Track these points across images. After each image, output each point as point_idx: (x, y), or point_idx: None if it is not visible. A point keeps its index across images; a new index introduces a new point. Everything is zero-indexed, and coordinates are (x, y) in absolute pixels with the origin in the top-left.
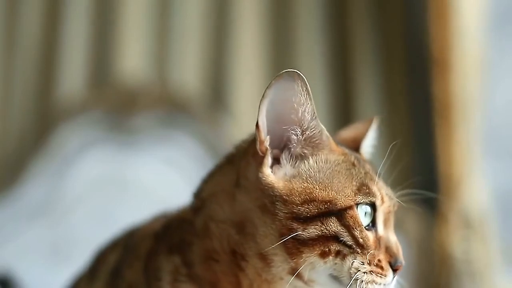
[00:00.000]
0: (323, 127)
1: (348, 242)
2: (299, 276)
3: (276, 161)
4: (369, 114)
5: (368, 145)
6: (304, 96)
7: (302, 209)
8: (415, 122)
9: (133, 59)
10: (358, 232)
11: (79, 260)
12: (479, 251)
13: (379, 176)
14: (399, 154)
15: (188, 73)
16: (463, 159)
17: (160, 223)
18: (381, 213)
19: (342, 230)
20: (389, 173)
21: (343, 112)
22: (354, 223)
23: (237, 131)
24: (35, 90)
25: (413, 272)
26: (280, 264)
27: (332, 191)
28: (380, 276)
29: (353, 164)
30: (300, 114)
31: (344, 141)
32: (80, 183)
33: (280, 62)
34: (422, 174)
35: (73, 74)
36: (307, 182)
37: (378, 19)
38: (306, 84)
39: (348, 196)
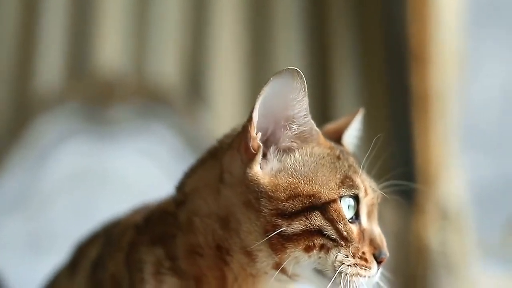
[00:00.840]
0: (313, 122)
1: (332, 236)
2: (283, 271)
3: (263, 155)
4: (348, 108)
5: (352, 136)
6: (302, 93)
7: (287, 205)
8: (393, 115)
9: (111, 50)
10: (342, 225)
11: (59, 253)
12: (455, 243)
13: (362, 169)
14: (378, 147)
15: (166, 64)
16: (441, 151)
17: (141, 215)
18: (365, 205)
19: (326, 224)
20: (371, 166)
21: (322, 107)
22: (338, 217)
23: (215, 123)
24: (12, 82)
25: (389, 263)
26: (264, 259)
27: (316, 184)
28: (365, 269)
29: (338, 157)
30: (296, 111)
31: (327, 133)
32: (58, 175)
33: (259, 55)
34: (400, 166)
35: (50, 66)
36: (292, 177)
37: (356, 13)
38: (304, 81)
39: (332, 189)
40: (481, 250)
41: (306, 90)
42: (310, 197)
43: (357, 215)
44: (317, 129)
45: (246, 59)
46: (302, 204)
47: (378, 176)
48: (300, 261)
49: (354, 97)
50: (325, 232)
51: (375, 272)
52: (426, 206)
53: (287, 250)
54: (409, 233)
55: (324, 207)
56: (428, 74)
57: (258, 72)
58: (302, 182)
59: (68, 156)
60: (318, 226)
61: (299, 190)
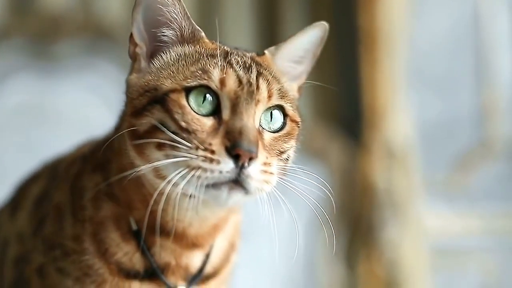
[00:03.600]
0: (197, 27)
1: (171, 128)
2: (162, 177)
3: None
4: None
5: (299, 49)
6: None
7: (136, 101)
8: (340, 54)
9: None
10: (180, 115)
11: (3, 189)
12: (401, 181)
13: (247, 67)
14: (325, 85)
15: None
16: (388, 91)
17: (88, 147)
18: (226, 98)
19: (165, 115)
20: (317, 103)
21: (268, 44)
22: (174, 106)
23: None
24: None
25: (335, 201)
26: (142, 168)
27: (162, 78)
28: (210, 161)
29: (210, 55)
30: (169, 15)
31: None
32: (3, 111)
33: None
34: (347, 105)
35: None
36: (150, 75)
37: None
38: None
39: (176, 80)
40: (426, 188)
41: None
42: (153, 90)
43: (218, 109)
44: (201, 34)
45: None
46: (147, 99)
47: (325, 115)
48: (162, 162)
49: None
50: (165, 125)
51: (229, 168)
52: (373, 145)
53: (145, 151)
54: (355, 172)
55: (164, 99)
56: (375, 12)
57: (203, 3)
58: (154, 78)
59: (13, 92)
60: (159, 119)
61: (149, 86)
